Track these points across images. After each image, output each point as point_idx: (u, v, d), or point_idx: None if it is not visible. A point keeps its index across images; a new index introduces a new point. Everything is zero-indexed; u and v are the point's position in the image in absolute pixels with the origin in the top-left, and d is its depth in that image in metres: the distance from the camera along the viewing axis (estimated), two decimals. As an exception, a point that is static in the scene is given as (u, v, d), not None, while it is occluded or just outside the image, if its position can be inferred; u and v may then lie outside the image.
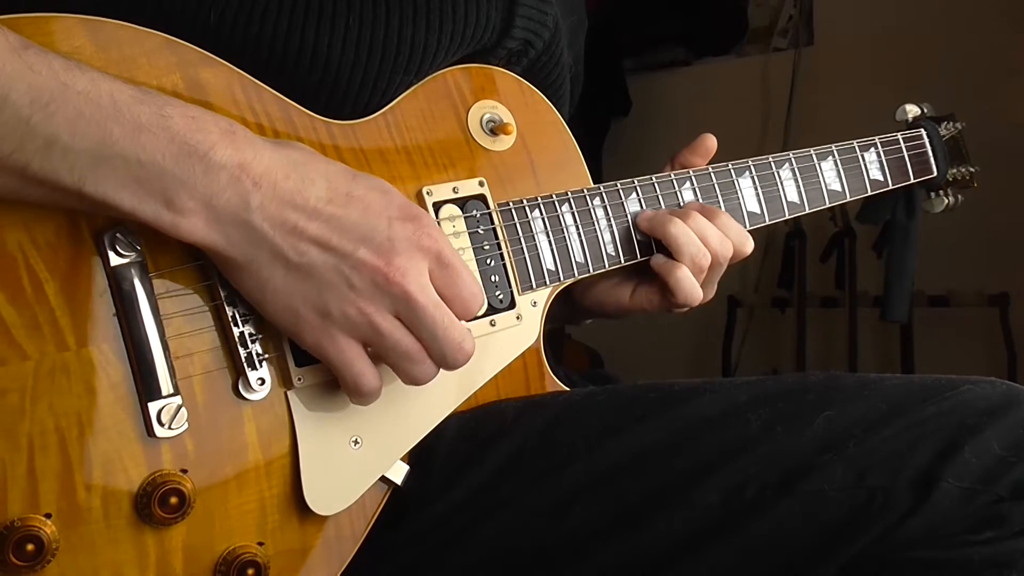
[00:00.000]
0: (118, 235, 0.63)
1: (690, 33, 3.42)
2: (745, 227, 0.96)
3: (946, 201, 1.23)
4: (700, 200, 0.95)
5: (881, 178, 1.10)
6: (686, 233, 0.88)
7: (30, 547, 0.58)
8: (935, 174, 1.17)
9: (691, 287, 0.88)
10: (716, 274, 0.92)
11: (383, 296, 0.64)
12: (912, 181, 1.15)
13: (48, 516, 0.60)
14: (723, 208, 0.95)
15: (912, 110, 1.21)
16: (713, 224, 0.90)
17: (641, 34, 3.45)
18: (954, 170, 1.21)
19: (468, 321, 0.70)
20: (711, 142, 0.98)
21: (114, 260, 0.63)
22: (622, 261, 0.90)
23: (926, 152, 1.17)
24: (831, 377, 0.76)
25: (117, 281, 0.63)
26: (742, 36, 3.37)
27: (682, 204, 0.93)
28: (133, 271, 0.64)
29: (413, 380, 0.68)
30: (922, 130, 1.17)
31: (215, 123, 0.62)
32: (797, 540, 0.70)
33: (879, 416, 0.70)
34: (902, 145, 1.13)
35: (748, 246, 0.93)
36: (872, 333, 3.01)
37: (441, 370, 0.69)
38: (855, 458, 0.69)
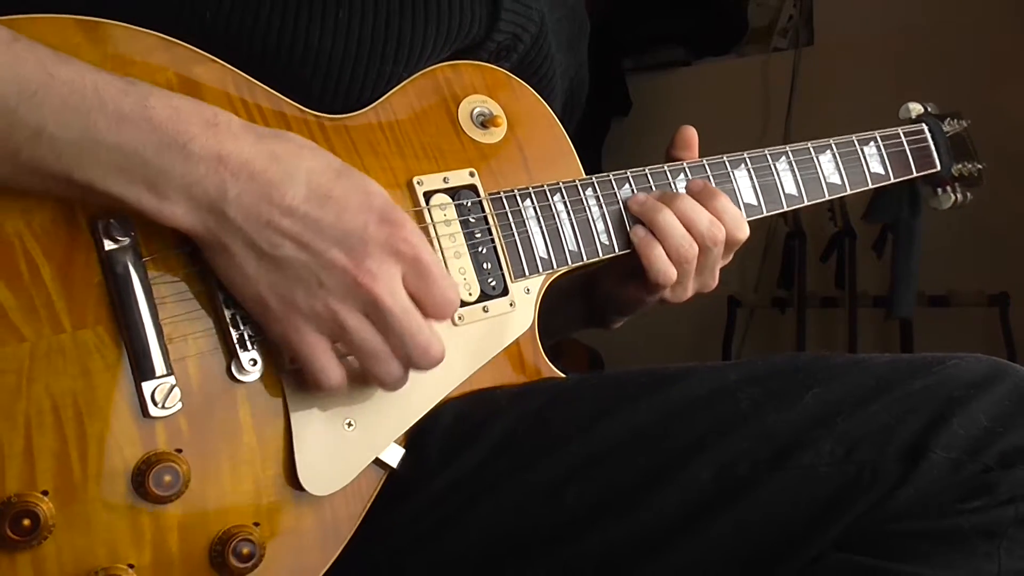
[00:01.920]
0: (112, 221, 0.65)
1: (690, 33, 3.42)
2: None
3: (953, 197, 1.21)
4: None
5: (882, 171, 1.09)
6: (672, 224, 0.88)
7: (27, 522, 0.59)
8: (938, 168, 1.16)
9: (665, 267, 0.88)
10: (711, 260, 0.91)
11: (352, 297, 0.65)
12: (915, 175, 1.13)
13: (45, 493, 0.61)
14: None
15: (915, 108, 1.21)
16: (707, 207, 0.90)
17: (641, 34, 3.45)
18: (959, 166, 1.19)
19: (459, 308, 0.70)
20: (689, 132, 0.97)
21: (108, 245, 0.65)
22: (616, 249, 0.90)
23: (928, 146, 1.15)
24: (821, 357, 0.76)
25: (111, 265, 0.65)
26: (742, 36, 3.37)
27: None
28: (127, 256, 0.65)
29: (379, 379, 0.69)
30: (923, 124, 1.16)
31: (198, 114, 0.64)
32: (789, 515, 0.70)
33: (867, 391, 0.71)
34: (903, 139, 1.12)
35: (743, 231, 0.92)
36: (872, 333, 2.99)
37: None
38: (844, 433, 0.69)
